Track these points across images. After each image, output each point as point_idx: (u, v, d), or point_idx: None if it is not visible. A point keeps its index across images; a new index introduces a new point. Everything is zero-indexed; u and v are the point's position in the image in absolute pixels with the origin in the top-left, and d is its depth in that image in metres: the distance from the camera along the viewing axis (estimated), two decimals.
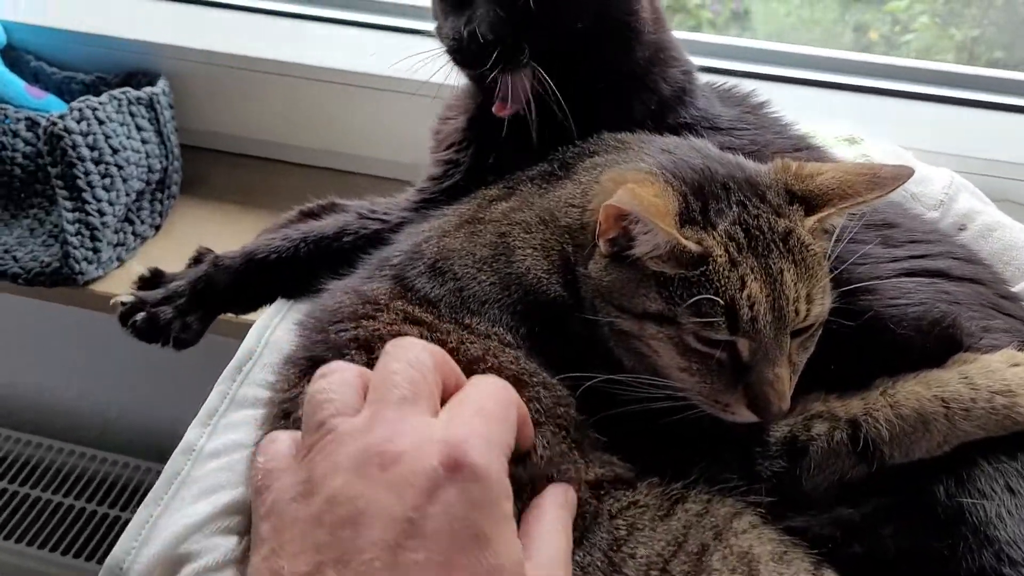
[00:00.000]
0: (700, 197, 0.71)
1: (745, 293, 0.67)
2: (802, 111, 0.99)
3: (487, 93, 0.89)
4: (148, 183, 1.23)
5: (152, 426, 1.61)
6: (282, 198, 1.31)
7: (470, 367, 0.71)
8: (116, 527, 1.55)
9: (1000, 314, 0.79)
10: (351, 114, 1.29)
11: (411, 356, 0.57)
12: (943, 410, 0.70)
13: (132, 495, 1.59)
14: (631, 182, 0.70)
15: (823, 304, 0.71)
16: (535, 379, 0.72)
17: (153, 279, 1.02)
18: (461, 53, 0.85)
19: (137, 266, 1.21)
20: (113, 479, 1.61)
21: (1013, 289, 0.87)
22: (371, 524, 0.46)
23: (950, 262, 0.82)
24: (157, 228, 1.26)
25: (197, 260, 1.01)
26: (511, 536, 0.50)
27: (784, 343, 0.69)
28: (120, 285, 1.19)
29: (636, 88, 0.89)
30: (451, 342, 0.73)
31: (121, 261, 1.21)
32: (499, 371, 0.71)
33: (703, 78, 0.99)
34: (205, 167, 1.36)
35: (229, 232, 1.27)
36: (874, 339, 0.75)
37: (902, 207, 0.89)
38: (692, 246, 0.68)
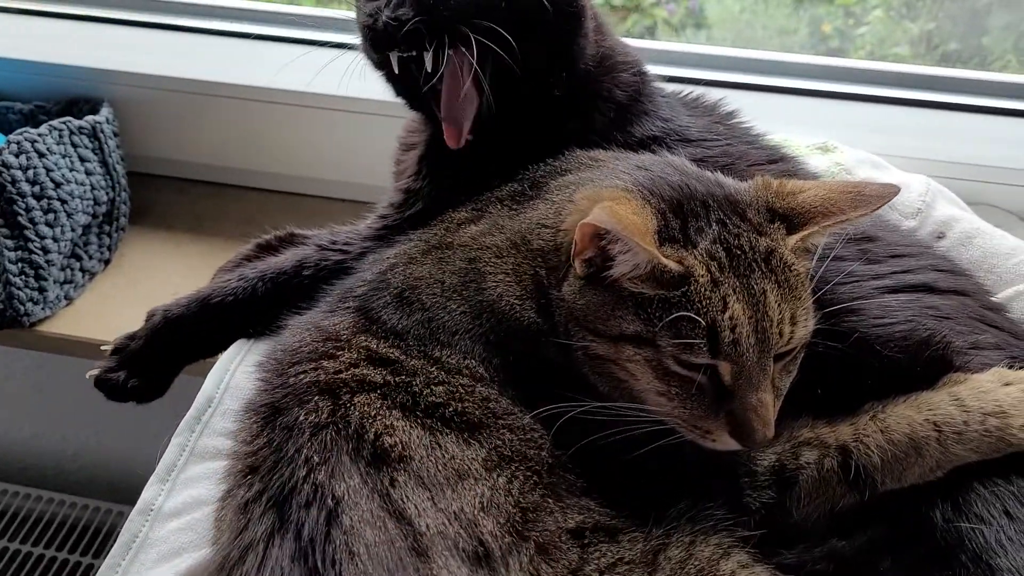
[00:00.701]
0: (679, 215, 0.68)
1: (727, 315, 0.64)
2: (772, 119, 0.97)
3: (435, 121, 0.85)
4: (95, 216, 1.17)
5: (111, 465, 1.55)
6: (234, 223, 1.28)
7: (431, 413, 0.68)
8: (77, 573, 1.48)
9: (987, 327, 0.77)
10: (302, 136, 1.24)
11: None
12: (935, 434, 0.68)
13: (92, 539, 1.52)
14: (607, 200, 0.67)
15: (807, 326, 0.68)
16: (501, 422, 0.69)
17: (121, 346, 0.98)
18: (378, 35, 0.79)
19: (84, 302, 1.16)
20: (72, 522, 1.54)
21: (997, 298, 0.85)
22: None
23: (934, 275, 0.80)
24: (107, 262, 1.20)
25: (151, 316, 0.97)
26: None
27: (768, 367, 0.66)
28: (69, 324, 1.13)
29: (590, 96, 0.86)
30: (416, 385, 0.70)
31: (69, 299, 1.15)
32: (461, 416, 0.68)
33: (668, 87, 0.96)
34: (153, 194, 1.31)
35: (182, 261, 1.22)
36: (861, 361, 0.72)
37: (881, 218, 0.86)
38: (673, 265, 0.65)
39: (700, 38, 1.98)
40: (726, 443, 0.67)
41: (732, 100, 0.97)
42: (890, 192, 0.68)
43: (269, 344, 0.86)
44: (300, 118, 1.22)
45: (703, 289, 0.64)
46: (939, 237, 0.92)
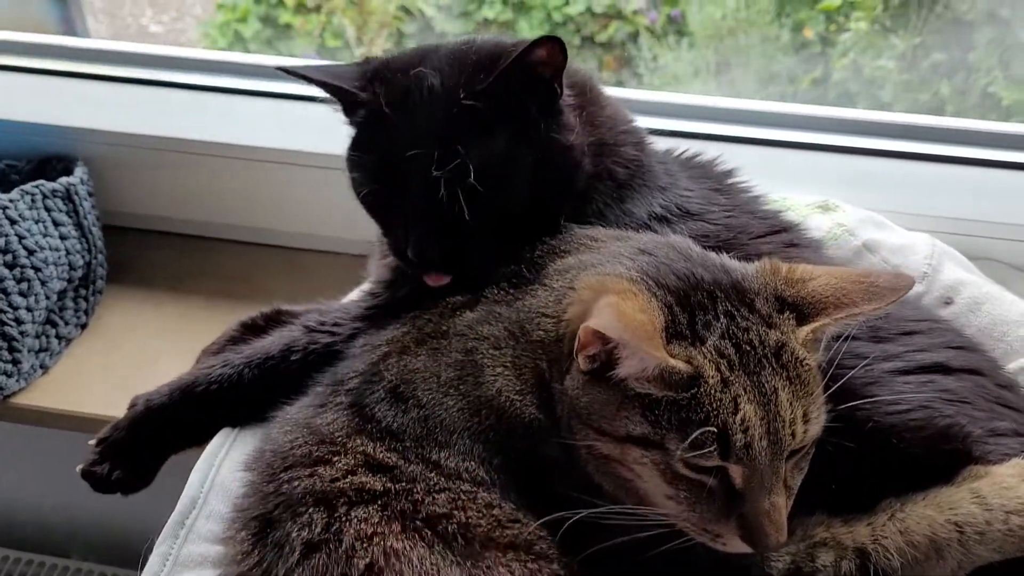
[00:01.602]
0: (686, 308, 0.65)
1: (739, 416, 0.61)
2: (767, 174, 0.94)
3: None
4: (70, 280, 1.12)
5: (91, 526, 1.50)
6: (216, 279, 1.24)
7: (433, 525, 0.65)
8: None
9: (1004, 409, 0.74)
10: (284, 190, 1.21)
11: None
12: (957, 535, 0.65)
13: None
14: (611, 292, 0.64)
15: (819, 422, 0.65)
16: (507, 535, 0.66)
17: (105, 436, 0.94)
18: (412, 268, 0.80)
19: (60, 370, 1.12)
20: None
21: (1009, 369, 0.82)
22: None
23: (947, 353, 0.77)
24: (83, 326, 1.16)
25: (134, 405, 0.92)
26: None
27: (780, 468, 0.63)
28: (45, 395, 1.09)
29: (589, 181, 0.82)
30: (417, 493, 0.66)
31: (45, 368, 1.10)
32: (466, 529, 0.65)
33: (661, 144, 0.93)
34: (130, 250, 1.26)
35: (161, 322, 1.18)
36: (877, 454, 0.70)
37: None
38: (682, 367, 0.62)
39: (682, 46, 1.97)
40: (737, 547, 0.64)
41: (725, 154, 0.94)
42: (904, 285, 0.65)
43: (256, 437, 0.83)
44: (280, 173, 1.19)
45: (713, 390, 0.61)
46: (947, 303, 0.90)
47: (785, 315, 0.66)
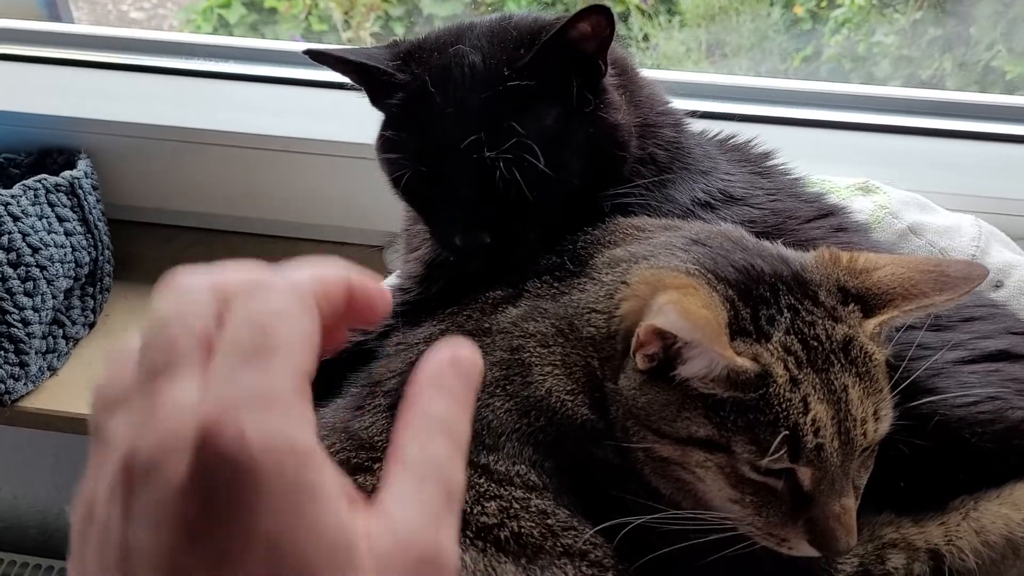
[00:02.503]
0: (748, 302, 0.62)
1: (809, 417, 0.58)
2: (803, 154, 0.90)
3: None
4: (77, 279, 1.07)
5: None
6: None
7: (484, 536, 0.62)
8: None
9: None
10: (295, 180, 1.16)
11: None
12: None
13: None
14: (670, 287, 0.60)
15: (888, 419, 0.62)
16: (560, 543, 0.62)
17: None
18: (459, 256, 0.76)
19: (69, 371, 1.07)
20: None
21: None
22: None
23: (1010, 339, 0.74)
24: (91, 326, 1.11)
25: None
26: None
27: (850, 470, 0.60)
28: (53, 398, 1.04)
29: (632, 165, 0.78)
30: (466, 501, 0.63)
31: (53, 370, 1.05)
32: (518, 538, 0.62)
33: (696, 125, 0.89)
34: (138, 245, 1.21)
35: None
36: (946, 449, 0.67)
37: None
38: (750, 366, 0.58)
39: (673, 24, 1.94)
40: (805, 551, 0.61)
41: (760, 135, 0.91)
42: (978, 275, 0.62)
43: None
44: (291, 162, 1.14)
45: (782, 390, 0.58)
46: (997, 286, 0.86)
47: (850, 307, 0.63)
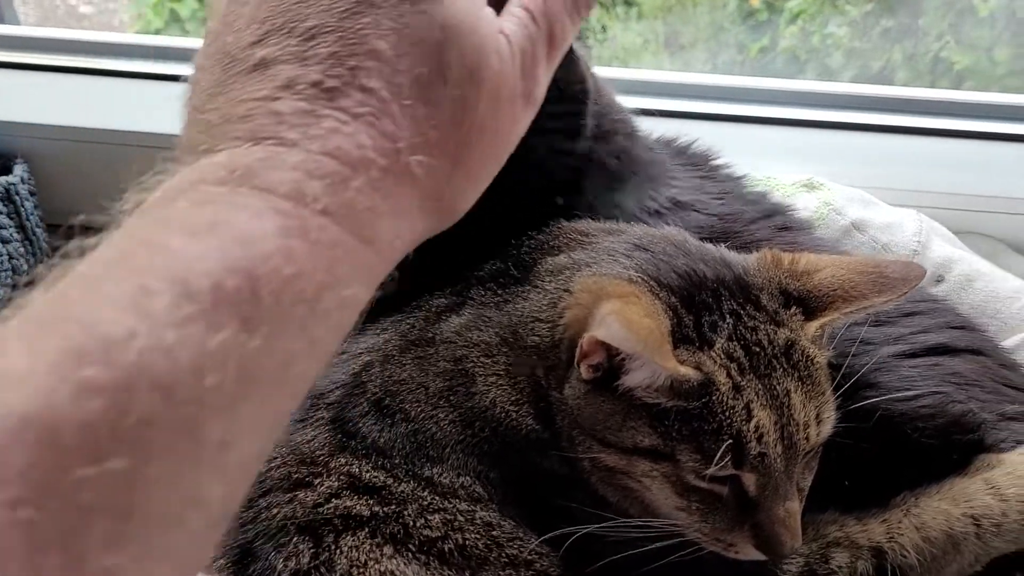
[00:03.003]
0: (691, 309, 0.62)
1: (753, 424, 0.58)
2: (744, 151, 0.91)
3: None
4: (15, 287, 1.04)
5: None
6: None
7: (428, 549, 0.61)
8: None
9: (1009, 390, 0.73)
10: None
11: None
12: (974, 528, 0.64)
13: None
14: (613, 296, 0.60)
15: (831, 421, 0.63)
16: (505, 555, 0.62)
17: None
18: None
19: None
20: None
21: (1006, 347, 0.81)
22: None
23: (949, 333, 0.75)
24: None
25: None
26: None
27: (794, 473, 0.61)
28: None
29: (583, 167, 0.78)
30: (409, 514, 0.62)
31: None
32: (462, 550, 0.62)
33: (643, 124, 0.89)
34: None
35: None
36: (888, 445, 0.67)
37: None
38: (692, 374, 0.58)
39: (631, 16, 1.94)
40: (751, 555, 0.62)
41: (705, 133, 0.91)
42: (915, 275, 0.63)
43: None
44: None
45: (725, 397, 0.58)
46: (938, 280, 0.88)
47: (792, 311, 0.63)
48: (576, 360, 0.61)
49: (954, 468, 0.67)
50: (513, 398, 0.65)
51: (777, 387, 0.60)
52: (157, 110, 1.14)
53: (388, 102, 0.45)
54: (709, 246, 0.69)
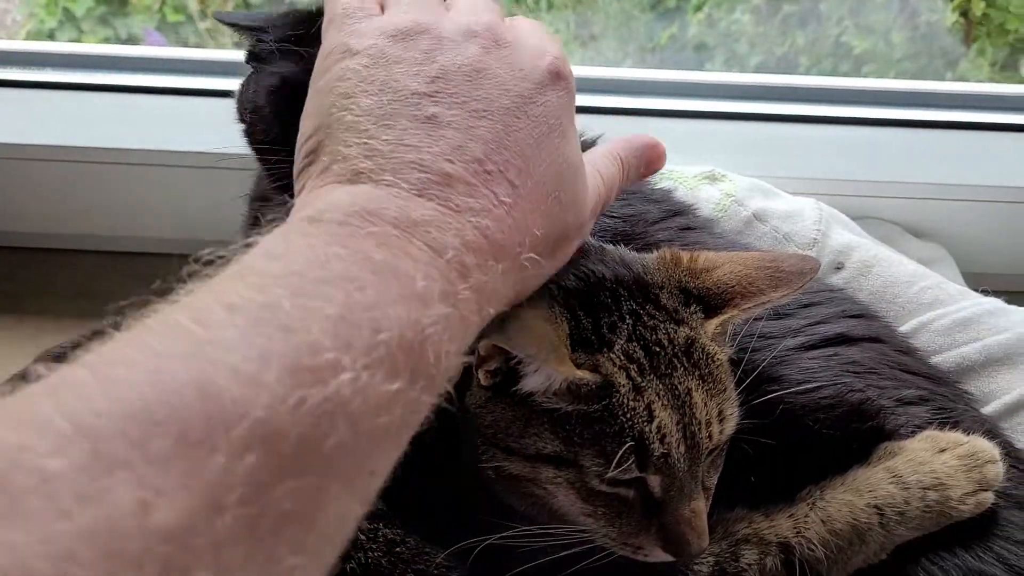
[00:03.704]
0: (589, 311, 0.60)
1: (655, 425, 0.57)
2: None
3: None
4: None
5: None
6: (63, 297, 1.10)
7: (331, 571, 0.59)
8: None
9: (907, 375, 0.74)
10: (133, 193, 1.08)
11: None
12: (878, 518, 0.64)
13: None
14: None
15: (734, 418, 0.62)
16: (411, 571, 0.61)
17: None
18: None
19: None
20: None
21: (903, 331, 0.82)
22: (488, 85, 0.52)
23: (847, 322, 0.76)
24: None
25: None
26: (577, 143, 0.56)
27: (698, 473, 0.60)
28: None
29: None
30: None
31: None
32: (366, 569, 0.60)
33: None
34: None
35: None
36: (791, 438, 0.67)
37: None
38: (590, 377, 0.57)
39: (541, 7, 1.93)
40: (659, 557, 0.61)
41: (605, 127, 0.89)
42: (810, 268, 0.63)
43: None
44: (128, 175, 1.06)
45: (625, 400, 0.57)
46: (838, 268, 0.88)
47: (692, 308, 0.62)
48: (474, 366, 0.59)
49: (857, 457, 0.67)
50: None
51: (678, 387, 0.59)
52: (44, 120, 1.09)
53: (522, 201, 0.50)
54: (608, 246, 0.67)
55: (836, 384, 0.69)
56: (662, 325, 0.60)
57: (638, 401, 0.57)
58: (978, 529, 0.65)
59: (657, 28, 1.92)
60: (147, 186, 1.08)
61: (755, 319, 0.67)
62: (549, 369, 0.56)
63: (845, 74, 1.73)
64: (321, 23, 0.60)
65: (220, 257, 0.42)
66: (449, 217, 0.46)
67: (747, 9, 1.89)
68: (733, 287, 0.62)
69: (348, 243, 0.43)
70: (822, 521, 0.64)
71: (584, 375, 0.57)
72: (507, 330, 0.55)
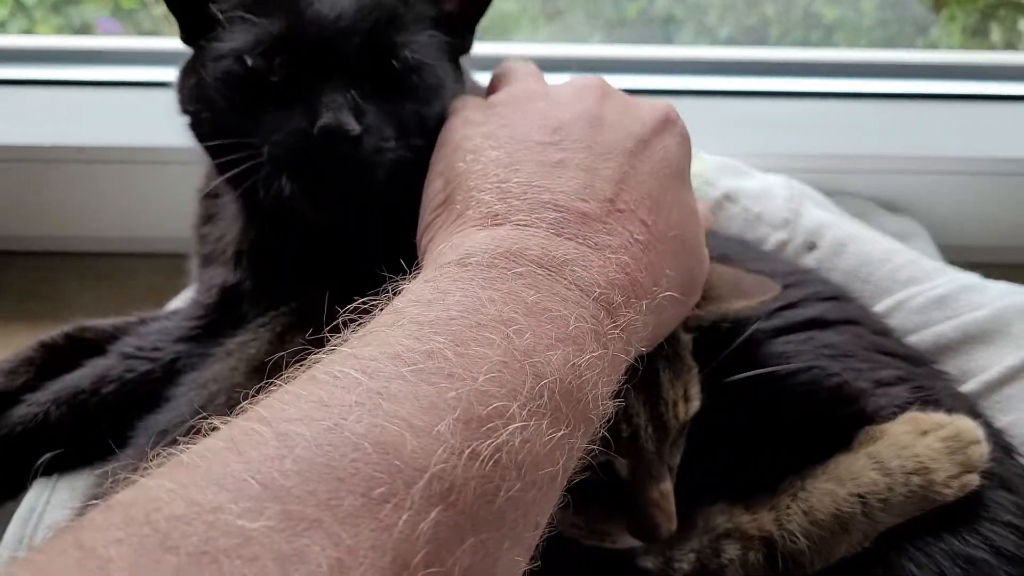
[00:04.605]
0: None
1: (623, 406, 0.55)
2: None
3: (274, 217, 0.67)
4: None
5: None
6: (11, 299, 1.06)
7: None
8: None
9: (884, 356, 0.72)
10: (82, 191, 1.05)
11: None
12: (861, 506, 0.62)
13: None
14: None
15: (698, 398, 0.62)
16: None
17: None
18: (308, 164, 0.60)
19: None
20: None
21: (877, 310, 0.81)
22: (608, 130, 0.53)
23: (821, 305, 0.74)
24: None
25: None
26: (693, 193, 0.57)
27: (665, 454, 0.59)
28: None
29: None
30: None
31: None
32: None
33: None
34: None
35: None
36: (770, 426, 0.66)
37: (757, 250, 0.80)
38: None
39: None
40: (627, 542, 0.59)
41: None
42: (770, 290, 0.64)
43: (79, 486, 0.71)
44: (76, 173, 1.02)
45: None
46: (811, 248, 0.86)
47: None
48: None
49: (838, 443, 0.65)
50: None
51: (645, 368, 0.57)
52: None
53: (654, 240, 0.50)
54: None
55: (812, 369, 0.68)
56: None
57: None
58: (964, 512, 0.63)
59: (624, 1, 1.89)
60: (96, 184, 1.04)
61: None
62: None
63: (816, 44, 1.71)
64: None
65: (374, 305, 0.42)
66: (591, 255, 0.46)
67: None
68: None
69: (499, 286, 0.42)
70: (804, 512, 0.62)
71: None
72: None
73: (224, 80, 0.62)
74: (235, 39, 0.62)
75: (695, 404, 0.61)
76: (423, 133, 0.63)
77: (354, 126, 0.58)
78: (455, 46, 0.69)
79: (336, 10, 0.62)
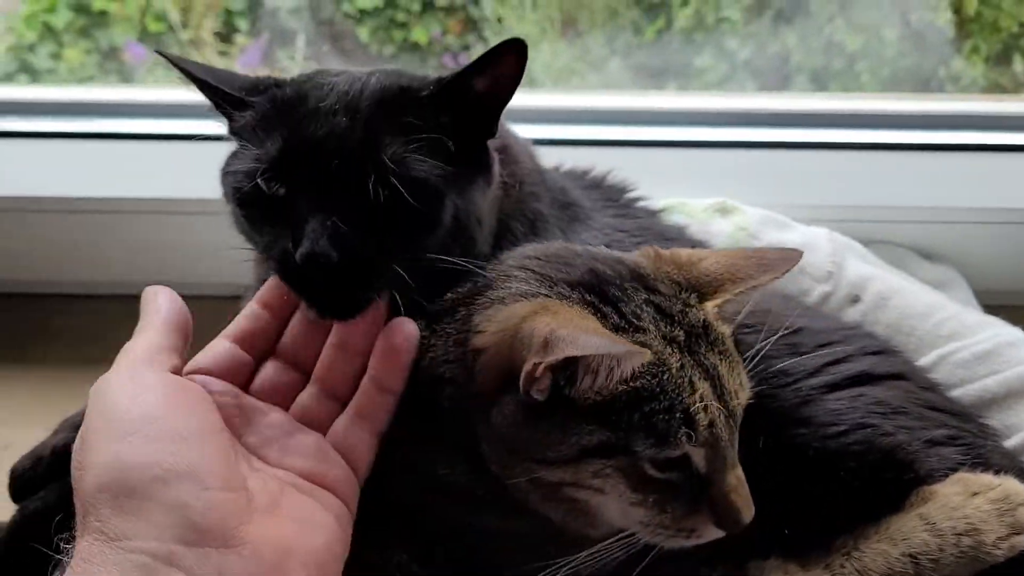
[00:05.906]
0: (607, 303, 0.62)
1: (698, 395, 0.58)
2: (655, 176, 0.89)
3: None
4: None
5: None
6: (62, 343, 1.09)
7: None
8: None
9: (934, 412, 0.73)
10: (124, 239, 1.08)
11: None
12: (912, 567, 0.63)
13: None
14: (529, 314, 0.58)
15: (748, 386, 0.64)
16: None
17: None
18: (296, 279, 0.65)
19: None
20: None
21: (922, 364, 0.82)
22: None
23: (868, 360, 0.75)
24: None
25: None
26: None
27: (734, 441, 0.61)
28: None
29: (490, 245, 0.73)
30: None
31: None
32: None
33: (550, 157, 0.86)
34: None
35: (5, 401, 1.03)
36: (824, 486, 0.67)
37: (800, 304, 0.81)
38: (649, 356, 0.57)
39: (526, 4, 1.92)
40: (712, 534, 0.61)
41: (610, 160, 0.89)
42: (793, 257, 0.66)
43: None
44: (127, 223, 1.06)
45: (672, 374, 0.58)
46: (854, 301, 0.88)
47: (687, 295, 0.64)
48: (522, 387, 0.58)
49: (891, 503, 0.67)
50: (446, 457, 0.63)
51: (706, 361, 0.61)
52: (37, 170, 1.07)
53: None
54: (595, 248, 0.69)
55: (864, 427, 0.69)
56: (678, 309, 0.62)
57: (682, 375, 0.58)
58: (1012, 572, 0.65)
59: (643, 22, 1.91)
60: (156, 232, 1.07)
61: (771, 357, 0.68)
62: (610, 358, 0.56)
63: (839, 71, 1.72)
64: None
65: None
66: None
67: (739, 8, 1.87)
68: (722, 274, 0.64)
69: None
70: (858, 572, 0.64)
71: (644, 351, 0.57)
72: (559, 341, 0.54)
73: (233, 196, 0.67)
74: (243, 158, 0.66)
75: (747, 392, 0.63)
76: (416, 246, 0.65)
77: (332, 255, 0.61)
78: (477, 133, 0.69)
79: (326, 129, 0.64)
